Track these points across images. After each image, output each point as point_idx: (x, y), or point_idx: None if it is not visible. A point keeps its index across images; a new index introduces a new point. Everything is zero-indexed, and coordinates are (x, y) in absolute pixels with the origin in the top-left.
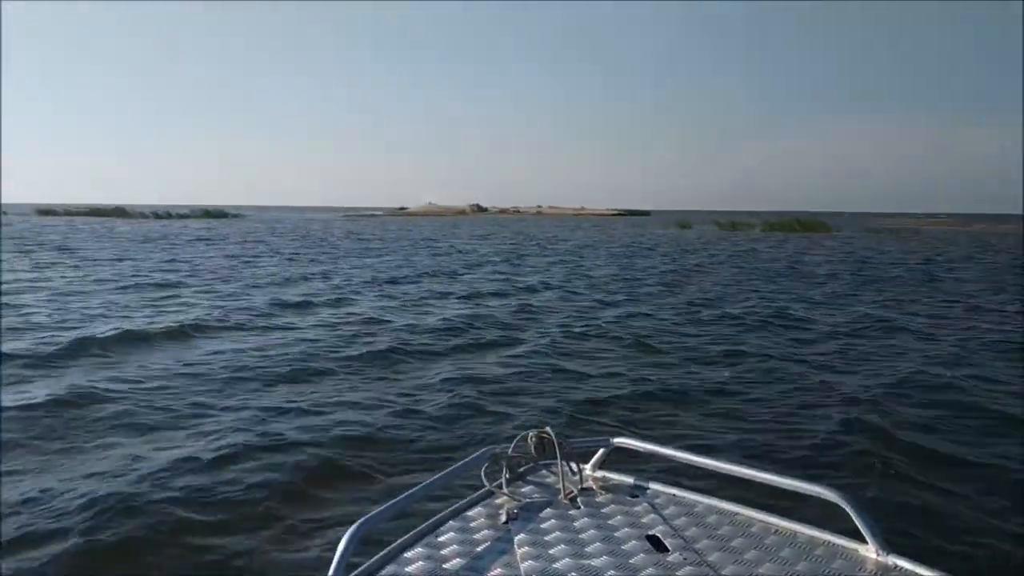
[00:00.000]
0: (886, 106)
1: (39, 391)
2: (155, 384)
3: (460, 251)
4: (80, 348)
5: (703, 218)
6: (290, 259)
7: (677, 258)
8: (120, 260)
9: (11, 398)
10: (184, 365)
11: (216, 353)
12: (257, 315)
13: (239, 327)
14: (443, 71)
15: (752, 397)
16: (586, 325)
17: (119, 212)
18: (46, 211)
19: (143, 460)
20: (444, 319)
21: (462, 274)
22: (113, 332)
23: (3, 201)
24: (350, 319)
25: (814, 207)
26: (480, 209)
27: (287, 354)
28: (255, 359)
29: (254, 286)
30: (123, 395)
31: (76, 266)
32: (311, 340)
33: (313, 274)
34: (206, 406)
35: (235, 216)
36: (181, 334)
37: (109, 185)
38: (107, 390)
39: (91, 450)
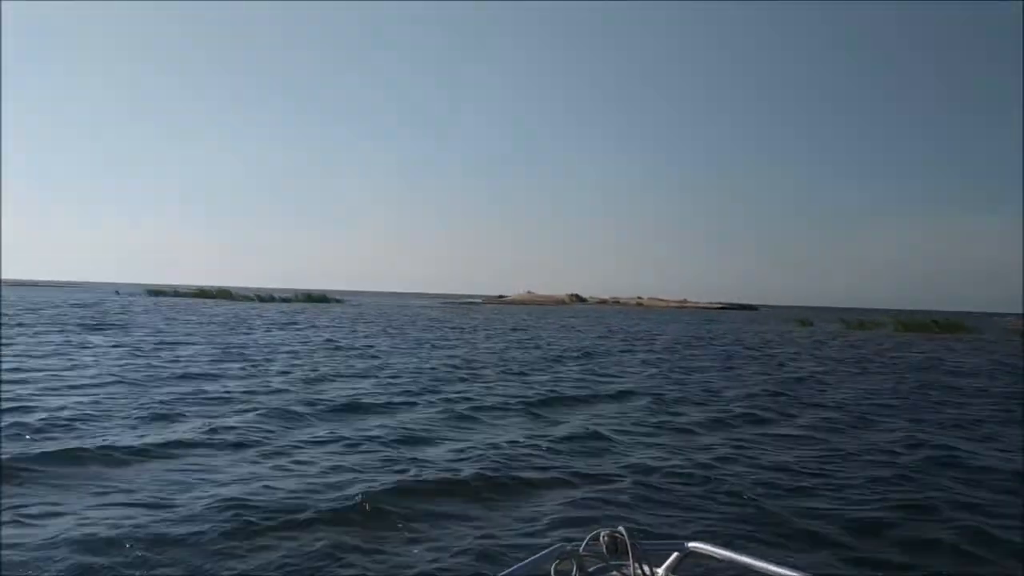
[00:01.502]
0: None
1: None
2: None
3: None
4: None
5: (818, 315)
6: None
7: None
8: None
9: None
10: None
11: None
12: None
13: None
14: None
15: None
16: None
17: (224, 294)
18: (156, 292)
19: None
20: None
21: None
22: None
23: (125, 280)
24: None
25: (920, 305)
26: (579, 299)
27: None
28: None
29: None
30: None
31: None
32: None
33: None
34: None
35: (336, 301)
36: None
37: (227, 267)
38: None
39: None
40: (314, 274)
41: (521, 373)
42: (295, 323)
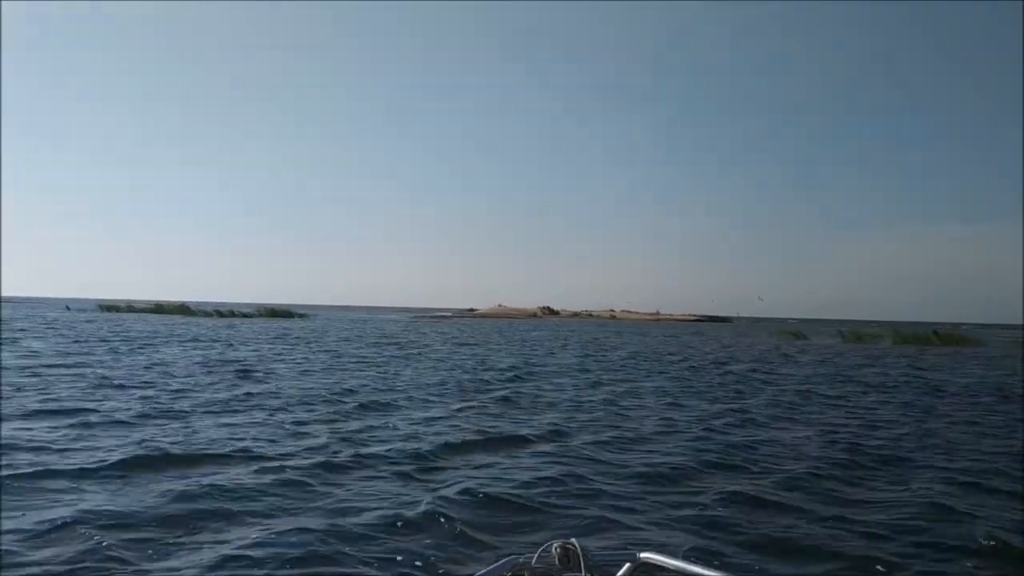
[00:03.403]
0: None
1: None
2: None
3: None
4: None
5: (795, 326)
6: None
7: None
8: None
9: None
10: None
11: None
12: None
13: None
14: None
15: None
16: None
17: (183, 309)
18: (109, 307)
19: None
20: None
21: None
22: None
23: (93, 296)
24: None
25: (895, 316)
26: (551, 312)
27: None
28: None
29: None
30: None
31: None
32: None
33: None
34: None
35: (300, 316)
36: None
37: (195, 281)
38: None
39: None
40: (300, 289)
41: None
42: (215, 339)
